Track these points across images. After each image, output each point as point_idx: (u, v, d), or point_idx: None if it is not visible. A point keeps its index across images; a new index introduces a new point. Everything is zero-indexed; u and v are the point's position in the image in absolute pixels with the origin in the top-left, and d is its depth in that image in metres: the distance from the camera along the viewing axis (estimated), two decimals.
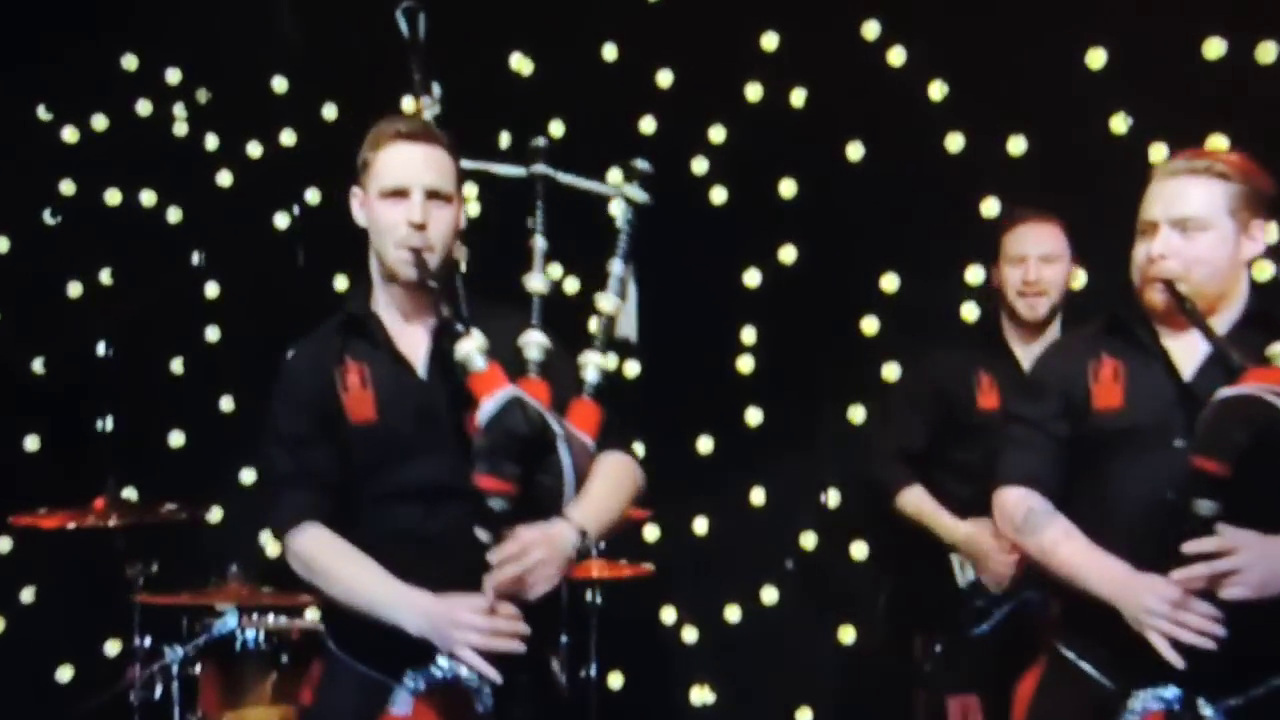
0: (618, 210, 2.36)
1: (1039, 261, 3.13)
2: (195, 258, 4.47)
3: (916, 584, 3.39)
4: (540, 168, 2.33)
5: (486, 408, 1.92)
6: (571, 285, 4.30)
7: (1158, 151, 3.63)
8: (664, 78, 4.28)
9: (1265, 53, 3.51)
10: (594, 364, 2.16)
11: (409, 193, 2.10)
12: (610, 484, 2.10)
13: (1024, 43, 3.75)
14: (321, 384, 2.11)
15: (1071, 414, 2.19)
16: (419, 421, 2.08)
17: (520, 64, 4.41)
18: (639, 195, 2.32)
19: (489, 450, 1.90)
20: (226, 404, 4.48)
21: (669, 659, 4.19)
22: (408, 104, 4.45)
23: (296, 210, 4.33)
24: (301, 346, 2.24)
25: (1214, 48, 3.57)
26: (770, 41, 4.12)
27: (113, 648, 4.32)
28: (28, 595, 4.41)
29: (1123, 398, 2.14)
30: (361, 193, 2.18)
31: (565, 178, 2.39)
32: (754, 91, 4.13)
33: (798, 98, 4.08)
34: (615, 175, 2.69)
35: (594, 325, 2.24)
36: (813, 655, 3.97)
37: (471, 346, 1.98)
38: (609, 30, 4.32)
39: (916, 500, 3.23)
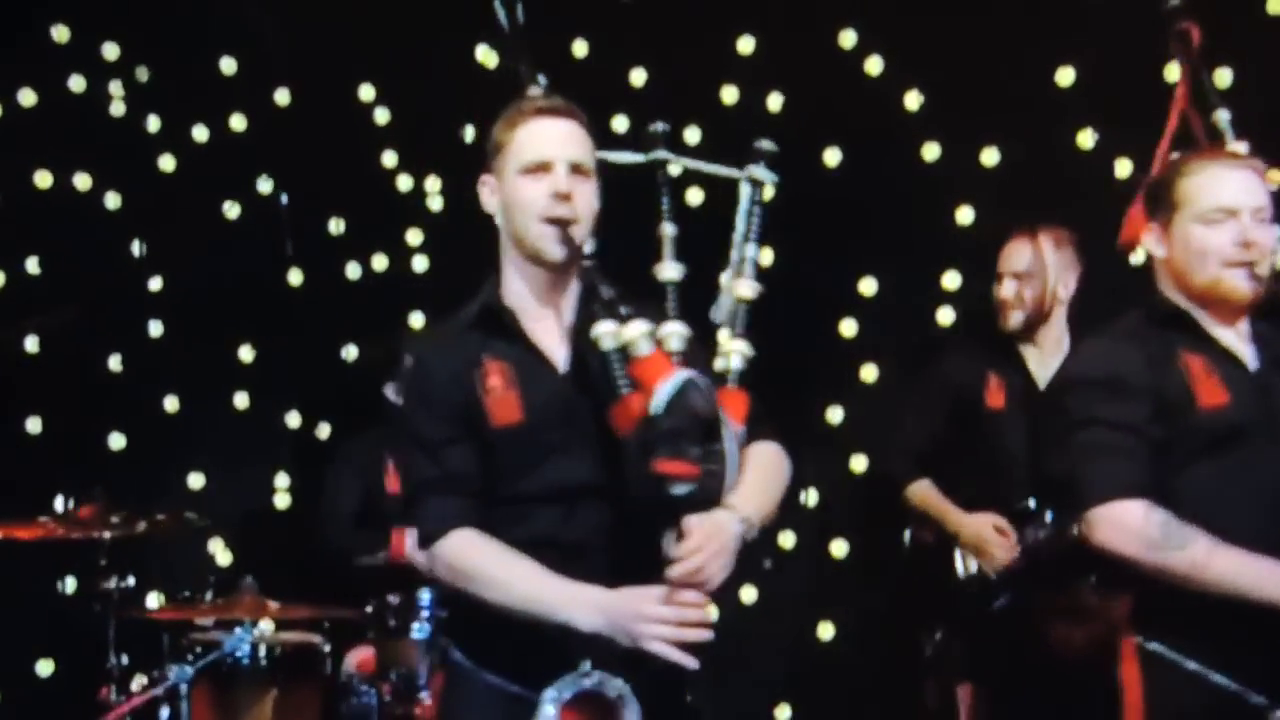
0: (743, 192, 2.28)
1: (1018, 279, 3.34)
2: (136, 247, 4.19)
3: (919, 577, 3.50)
4: (661, 153, 2.22)
5: (663, 390, 1.85)
6: None
7: (1122, 166, 3.85)
8: (637, 76, 4.26)
9: (1221, 79, 3.75)
10: (739, 351, 2.06)
11: (552, 166, 2.01)
12: (767, 474, 2.06)
13: (998, 59, 3.90)
14: (461, 385, 2.00)
15: (1167, 414, 2.16)
16: (562, 420, 2.00)
17: (486, 56, 4.31)
18: (766, 176, 2.24)
19: (670, 433, 1.83)
20: (171, 404, 4.22)
21: None
22: (366, 91, 4.33)
23: (284, 200, 4.09)
24: (430, 344, 2.15)
25: (1175, 71, 3.79)
26: (747, 45, 4.16)
27: (46, 667, 4.03)
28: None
29: (1226, 393, 2.15)
30: (493, 178, 2.08)
31: (685, 161, 2.31)
32: (729, 94, 4.15)
33: (774, 102, 4.13)
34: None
35: (724, 310, 2.14)
36: (792, 653, 4.04)
37: (637, 331, 1.92)
38: (580, 27, 4.27)
39: (923, 493, 3.36)
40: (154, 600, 3.82)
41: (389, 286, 4.32)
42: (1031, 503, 3.27)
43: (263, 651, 3.10)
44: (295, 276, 4.30)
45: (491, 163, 2.09)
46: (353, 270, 4.31)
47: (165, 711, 3.02)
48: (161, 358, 4.21)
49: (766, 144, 2.23)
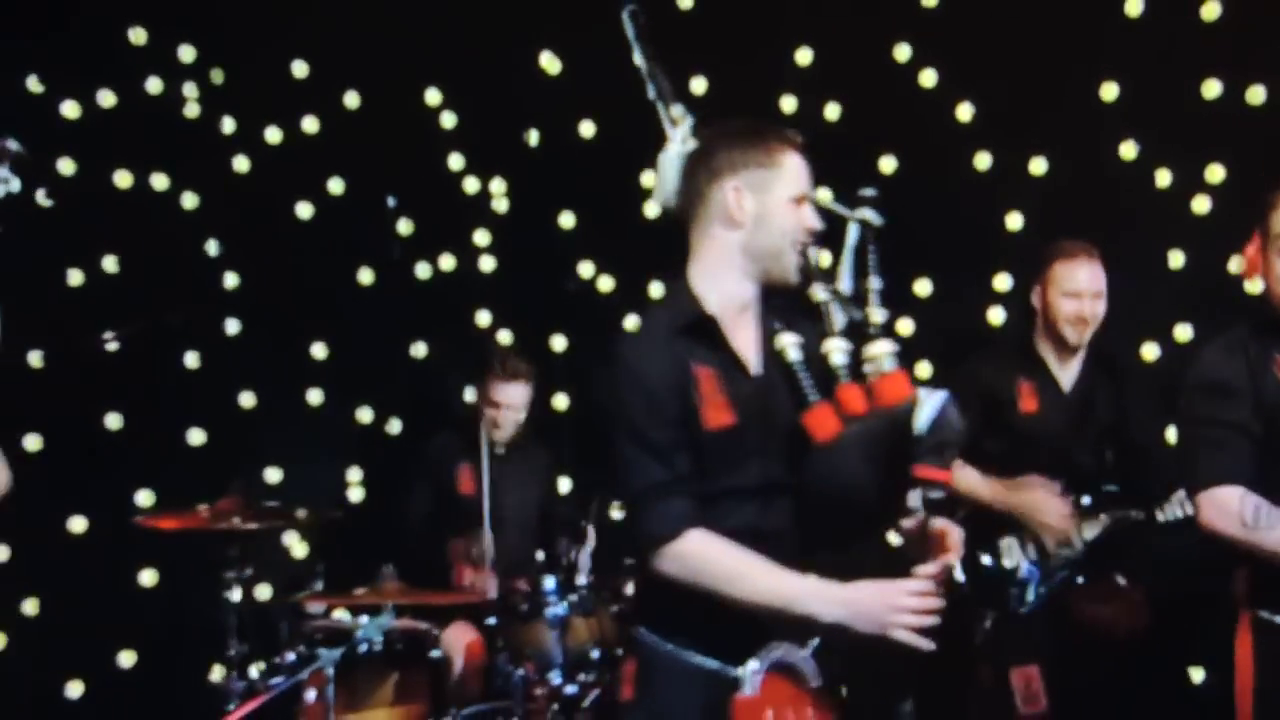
0: (851, 232, 2.47)
1: (1093, 298, 3.50)
2: (212, 246, 4.26)
3: (968, 567, 3.72)
4: (865, 212, 2.37)
5: (929, 405, 2.05)
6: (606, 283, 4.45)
7: (1162, 177, 4.13)
8: (698, 85, 4.44)
9: (1254, 95, 4.05)
10: (887, 353, 2.14)
11: (807, 200, 2.20)
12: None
13: (1046, 74, 4.13)
14: (677, 390, 2.13)
15: (1264, 413, 2.45)
16: (759, 422, 2.17)
17: (549, 63, 4.45)
18: (874, 219, 2.43)
19: (936, 446, 2.04)
20: (247, 400, 4.30)
21: None
22: (433, 95, 4.45)
23: (392, 202, 4.19)
24: (641, 350, 2.19)
25: (1211, 88, 4.08)
26: (805, 57, 4.36)
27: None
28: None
29: None
30: (748, 189, 2.17)
31: (832, 205, 2.46)
32: (789, 103, 4.35)
33: (832, 111, 4.34)
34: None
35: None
36: None
37: (883, 350, 2.10)
38: (644, 36, 4.42)
39: (967, 477, 3.46)
40: (265, 590, 3.91)
41: (457, 285, 4.46)
42: (1086, 499, 3.51)
43: (379, 636, 3.23)
44: (366, 276, 4.41)
45: (751, 174, 2.18)
46: (422, 270, 4.43)
47: (311, 694, 3.14)
48: (237, 355, 4.29)
49: (870, 191, 2.39)
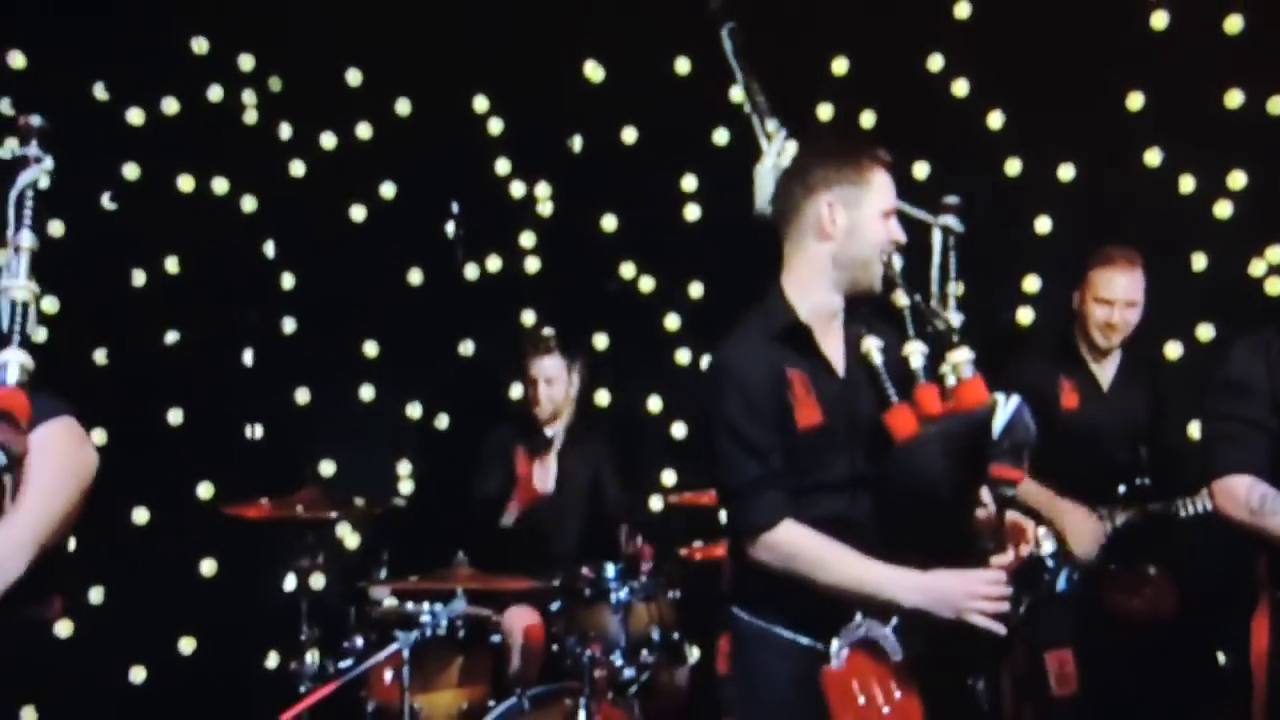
0: (937, 238, 2.64)
1: (1124, 306, 3.67)
2: (270, 248, 4.41)
3: None
4: (948, 219, 2.55)
5: (1007, 409, 2.21)
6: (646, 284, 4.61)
7: (1185, 183, 4.29)
8: (737, 93, 4.57)
9: (1275, 105, 4.21)
10: (966, 359, 2.32)
11: (891, 214, 2.37)
12: None
13: (1074, 83, 4.28)
14: (773, 393, 2.31)
15: None
16: (845, 421, 2.34)
17: (593, 71, 4.61)
18: (956, 225, 2.61)
19: (1012, 448, 2.21)
20: (302, 396, 4.45)
21: None
22: (480, 103, 4.60)
23: (456, 208, 4.35)
24: (740, 355, 2.36)
25: (1234, 98, 4.25)
26: (841, 66, 4.52)
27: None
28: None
29: None
30: (840, 204, 2.34)
31: (916, 212, 2.63)
32: (825, 111, 4.51)
33: (867, 119, 4.50)
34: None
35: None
36: None
37: (964, 356, 2.26)
38: (683, 45, 4.59)
39: (1024, 485, 3.68)
40: (319, 579, 4.05)
41: (503, 286, 4.61)
42: (1121, 490, 3.69)
43: (450, 620, 3.38)
44: (415, 276, 4.57)
45: (843, 190, 2.34)
46: (470, 270, 4.59)
47: (389, 674, 3.30)
48: (293, 353, 4.44)
49: (953, 199, 2.57)
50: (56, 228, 4.18)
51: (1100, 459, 3.72)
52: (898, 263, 2.36)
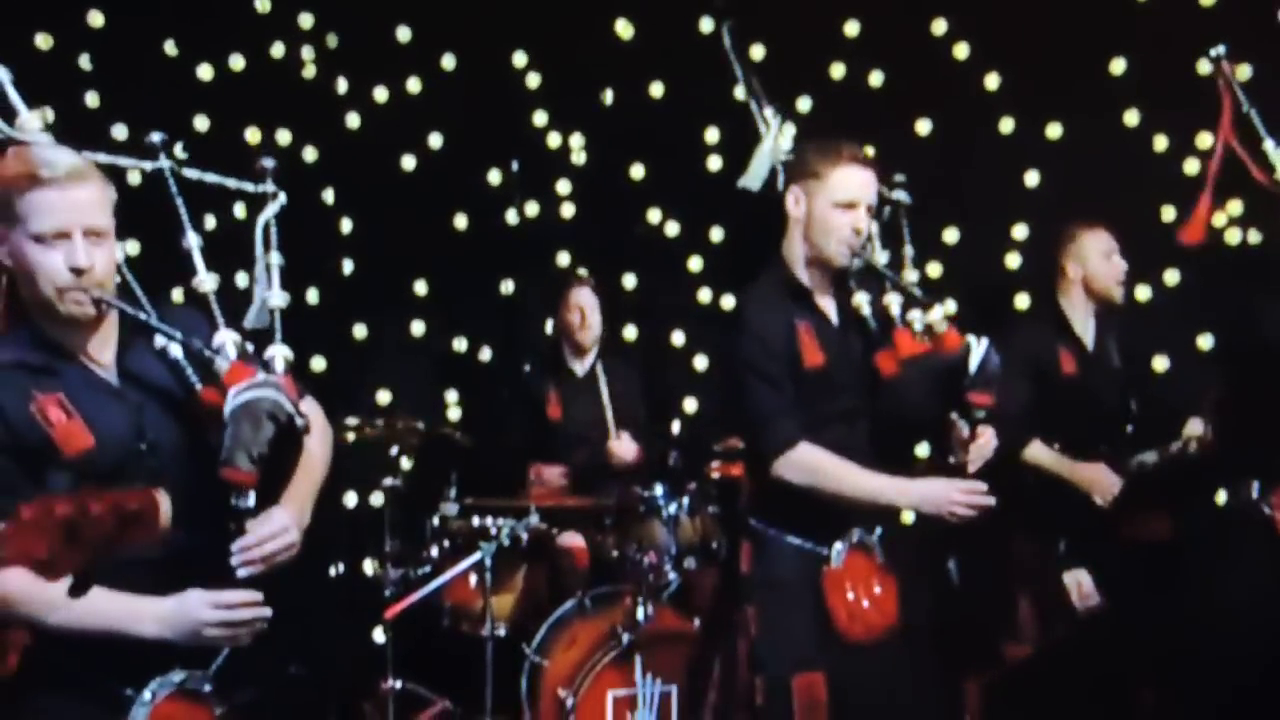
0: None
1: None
2: (330, 195, 4.79)
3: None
4: (898, 194, 3.04)
5: (979, 349, 2.71)
6: (671, 228, 5.02)
7: (1159, 141, 4.77)
8: (756, 51, 4.98)
9: (1241, 72, 4.67)
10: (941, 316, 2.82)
11: (857, 206, 2.82)
12: None
13: (1063, 49, 4.71)
14: (787, 338, 2.83)
15: None
16: (843, 362, 2.85)
17: (624, 29, 4.98)
18: (905, 199, 3.09)
19: (984, 379, 2.71)
20: (360, 331, 4.87)
21: None
22: (519, 58, 4.95)
23: (515, 166, 4.75)
24: (758, 309, 2.90)
25: (1204, 66, 4.69)
26: (853, 29, 4.92)
27: None
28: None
29: None
30: (802, 194, 2.86)
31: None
32: (837, 70, 4.92)
33: (875, 79, 4.92)
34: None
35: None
36: None
37: (940, 314, 2.77)
38: (707, 5, 4.95)
39: (1035, 452, 3.94)
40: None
41: (540, 230, 5.03)
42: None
43: (522, 534, 3.89)
44: (461, 221, 4.97)
45: (804, 182, 2.87)
46: (510, 216, 4.99)
47: (474, 579, 3.81)
48: (351, 291, 4.84)
49: (900, 177, 3.07)
50: (134, 177, 4.54)
51: (1100, 414, 4.07)
52: (869, 243, 2.85)
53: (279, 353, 2.28)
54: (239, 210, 3.40)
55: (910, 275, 2.99)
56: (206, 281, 2.33)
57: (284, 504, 2.22)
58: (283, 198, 2.39)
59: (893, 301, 2.84)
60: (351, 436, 4.15)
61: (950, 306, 2.91)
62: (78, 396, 2.11)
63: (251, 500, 2.13)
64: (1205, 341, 4.72)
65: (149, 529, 1.88)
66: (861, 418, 2.88)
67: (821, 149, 2.91)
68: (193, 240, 2.36)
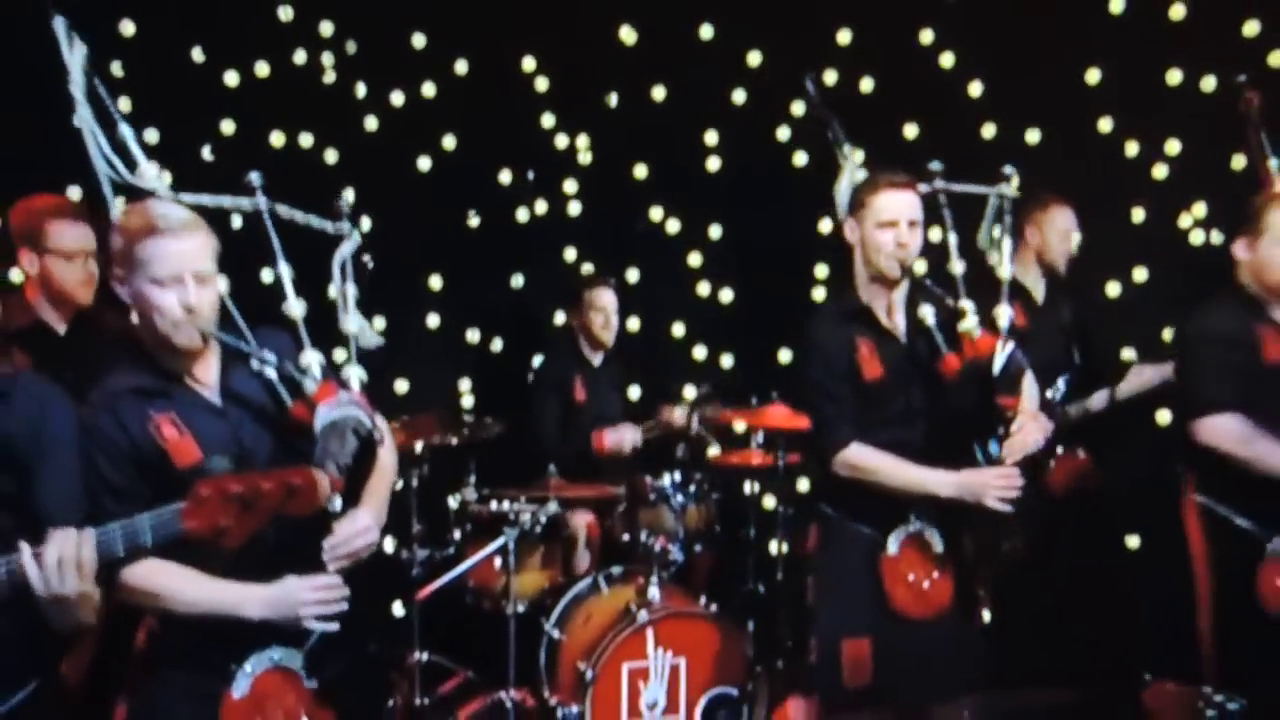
0: (991, 204, 3.48)
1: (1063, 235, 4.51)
2: (350, 195, 5.01)
3: None
4: (1005, 188, 3.35)
5: (1002, 355, 3.03)
6: (673, 225, 5.29)
7: (1130, 147, 5.09)
8: (754, 58, 5.26)
9: (1207, 83, 5.00)
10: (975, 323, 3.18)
11: (898, 223, 3.16)
12: None
13: (1042, 59, 5.01)
14: (844, 354, 3.18)
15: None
16: (905, 372, 3.18)
17: (628, 35, 5.23)
18: (1010, 192, 3.45)
19: (1008, 381, 3.03)
20: (379, 323, 5.12)
21: None
22: (528, 63, 5.20)
23: (531, 175, 5.01)
24: (819, 330, 3.26)
25: (1173, 76, 5.03)
26: (845, 37, 5.20)
27: None
28: None
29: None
30: (855, 223, 3.23)
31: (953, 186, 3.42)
32: (830, 76, 5.20)
33: (866, 84, 5.21)
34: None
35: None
36: None
37: (971, 323, 3.08)
38: (706, 13, 5.22)
39: None
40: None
41: (549, 227, 5.30)
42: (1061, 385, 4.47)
43: (543, 519, 4.20)
44: (474, 219, 5.23)
45: (856, 212, 3.22)
46: (520, 213, 5.26)
47: (499, 560, 4.11)
48: (370, 285, 5.07)
49: (1010, 169, 3.39)
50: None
51: (1045, 360, 4.26)
52: (915, 259, 3.20)
53: (354, 373, 2.56)
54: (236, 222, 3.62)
55: (1004, 273, 3.35)
56: (295, 307, 2.58)
57: (364, 505, 2.53)
58: (357, 236, 2.65)
59: (974, 322, 3.13)
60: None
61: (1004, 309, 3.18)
62: (187, 415, 2.40)
63: (338, 504, 2.45)
64: (1169, 335, 5.07)
65: (310, 500, 2.17)
66: (919, 418, 3.20)
67: (865, 181, 3.28)
68: (284, 270, 2.60)
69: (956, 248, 3.30)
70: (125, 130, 2.59)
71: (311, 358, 2.53)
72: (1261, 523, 3.37)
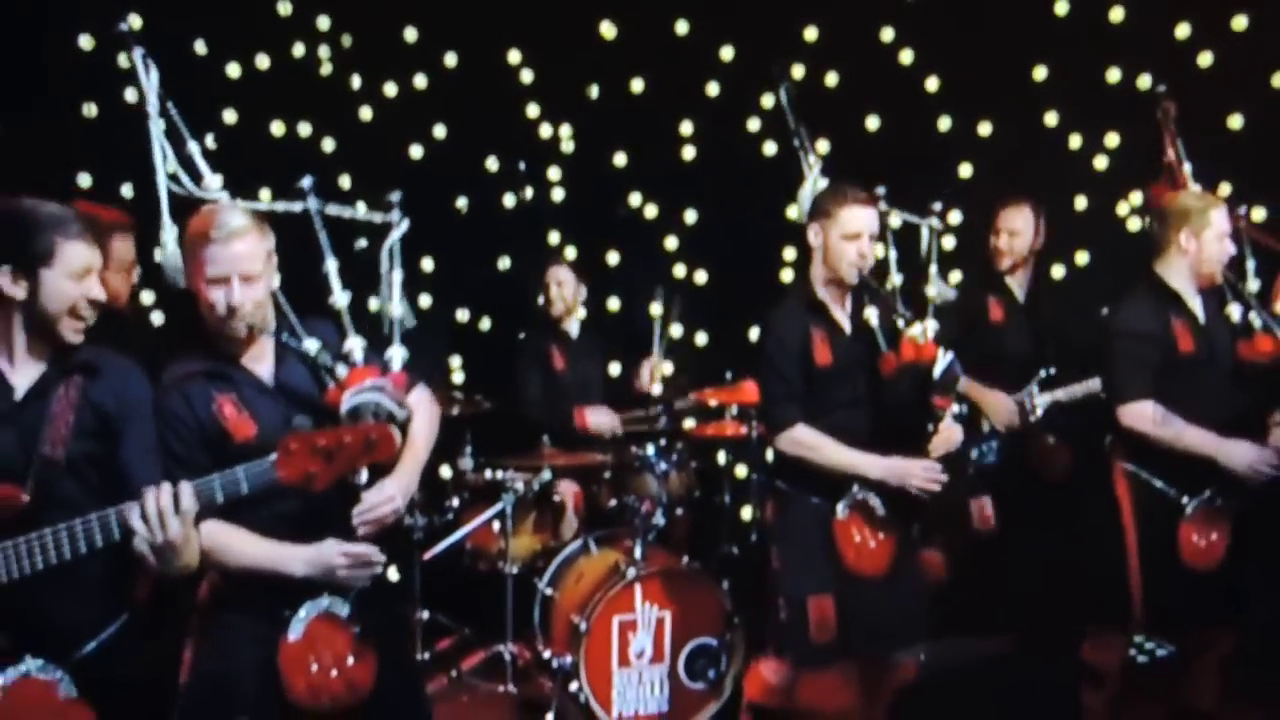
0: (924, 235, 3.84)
1: (1010, 235, 4.80)
2: (346, 181, 5.30)
3: None
4: (934, 222, 3.73)
5: (943, 361, 3.38)
6: (650, 211, 5.62)
7: (1074, 140, 5.49)
8: (727, 52, 5.58)
9: (1143, 81, 5.39)
10: (922, 330, 3.58)
11: (861, 236, 3.51)
12: None
13: (994, 56, 5.38)
14: (800, 343, 3.54)
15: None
16: (849, 362, 3.55)
17: (607, 30, 5.53)
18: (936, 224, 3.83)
19: (945, 384, 3.40)
20: (373, 304, 5.41)
21: None
22: (514, 56, 5.49)
23: (522, 166, 5.29)
24: (779, 319, 3.61)
25: (1113, 74, 5.42)
26: (812, 34, 5.54)
27: None
28: None
29: (1192, 340, 3.79)
30: (820, 229, 3.56)
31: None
32: (798, 71, 5.53)
33: (831, 79, 5.55)
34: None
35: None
36: None
37: (920, 329, 3.41)
38: (683, 9, 5.53)
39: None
40: None
41: (533, 212, 5.61)
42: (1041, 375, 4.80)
43: (537, 487, 4.55)
44: (462, 203, 5.53)
45: (820, 220, 3.56)
46: (507, 199, 5.56)
47: (497, 525, 4.45)
48: (366, 268, 5.36)
49: (939, 204, 3.76)
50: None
51: (1018, 356, 4.76)
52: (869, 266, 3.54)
53: (396, 354, 2.88)
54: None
55: (933, 287, 3.76)
56: (340, 299, 2.89)
57: (393, 476, 2.85)
58: (405, 225, 2.95)
59: (920, 329, 3.48)
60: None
61: (931, 324, 3.54)
62: (245, 396, 2.72)
63: (364, 476, 2.77)
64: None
65: (386, 451, 2.49)
66: (864, 406, 3.57)
67: (832, 192, 3.62)
68: (331, 265, 2.90)
69: (895, 263, 3.65)
70: (193, 146, 2.87)
71: (354, 343, 2.83)
72: (1179, 486, 3.77)
